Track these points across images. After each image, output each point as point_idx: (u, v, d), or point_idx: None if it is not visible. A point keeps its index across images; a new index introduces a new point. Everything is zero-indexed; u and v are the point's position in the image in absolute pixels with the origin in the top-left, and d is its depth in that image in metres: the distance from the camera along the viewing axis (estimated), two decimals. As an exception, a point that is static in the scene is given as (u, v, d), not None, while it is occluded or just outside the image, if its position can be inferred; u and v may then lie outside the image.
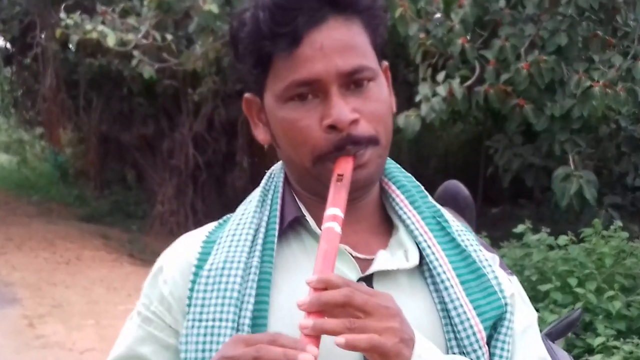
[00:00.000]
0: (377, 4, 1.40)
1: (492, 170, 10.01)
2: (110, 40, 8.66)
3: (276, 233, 1.41)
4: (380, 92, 1.38)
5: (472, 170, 12.34)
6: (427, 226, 1.44)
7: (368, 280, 1.37)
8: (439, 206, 1.51)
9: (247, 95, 1.46)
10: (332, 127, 1.31)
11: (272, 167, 1.53)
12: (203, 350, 1.32)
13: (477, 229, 3.98)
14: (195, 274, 1.40)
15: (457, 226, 1.50)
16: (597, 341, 5.83)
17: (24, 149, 24.64)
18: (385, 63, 1.45)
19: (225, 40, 8.40)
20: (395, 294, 1.32)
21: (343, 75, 1.32)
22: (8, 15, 15.08)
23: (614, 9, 7.51)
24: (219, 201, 15.41)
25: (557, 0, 7.07)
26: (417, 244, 1.41)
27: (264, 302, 1.35)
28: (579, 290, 6.31)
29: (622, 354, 5.53)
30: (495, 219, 11.76)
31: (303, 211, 1.43)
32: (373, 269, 1.38)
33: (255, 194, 1.49)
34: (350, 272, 1.37)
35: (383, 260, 1.39)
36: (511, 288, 1.47)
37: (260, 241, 1.40)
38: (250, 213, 1.45)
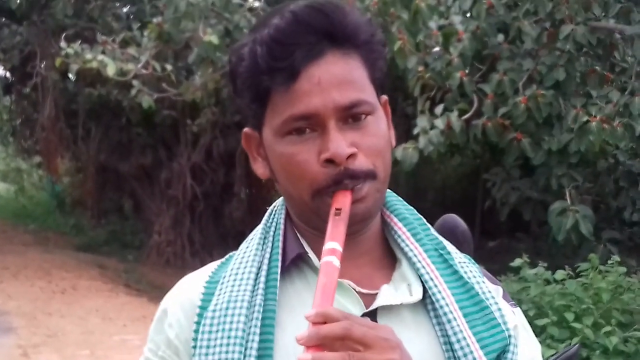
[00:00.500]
0: (376, 38, 1.39)
1: (489, 204, 10.01)
2: (110, 70, 8.69)
3: (279, 271, 1.40)
4: (379, 127, 1.36)
5: (469, 203, 12.37)
6: (429, 259, 1.42)
7: (372, 315, 1.36)
8: (441, 238, 1.50)
9: (246, 129, 1.45)
10: (330, 161, 1.30)
11: (274, 203, 1.52)
12: None
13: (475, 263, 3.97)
14: (200, 315, 1.38)
15: (460, 258, 1.49)
16: (594, 377, 5.83)
17: (21, 177, 24.66)
18: (385, 97, 1.44)
19: (224, 71, 8.43)
20: (399, 329, 1.31)
21: (341, 110, 1.31)
22: (8, 45, 15.13)
23: (612, 45, 7.55)
24: (216, 232, 15.41)
25: (555, 36, 7.10)
26: (420, 277, 1.40)
27: (269, 341, 1.33)
28: (576, 325, 6.31)
29: (618, 389, 5.52)
30: (492, 252, 11.76)
31: (305, 248, 1.42)
32: (377, 304, 1.37)
33: (257, 231, 1.48)
34: (354, 307, 1.36)
35: (387, 295, 1.38)
36: (514, 320, 1.46)
37: (263, 279, 1.39)
38: (253, 251, 1.44)
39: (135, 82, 9.19)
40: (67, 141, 16.57)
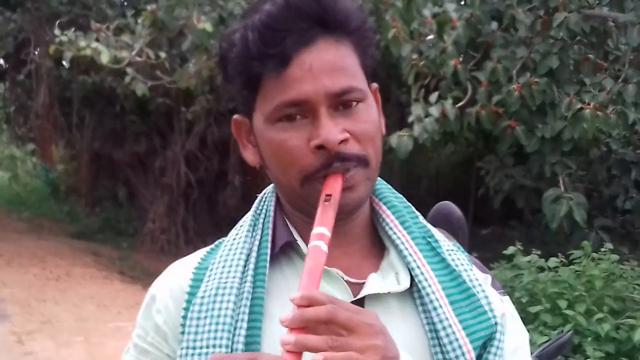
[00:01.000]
0: (367, 25, 1.39)
1: (483, 191, 10.03)
2: (104, 58, 8.68)
3: (268, 258, 1.40)
4: (370, 114, 1.36)
5: (463, 191, 12.38)
6: (417, 246, 1.42)
7: (360, 303, 1.35)
8: (429, 226, 1.50)
9: (236, 116, 1.46)
10: (321, 147, 1.30)
11: (264, 190, 1.52)
12: None
13: (468, 250, 3.99)
14: (188, 301, 1.39)
15: (448, 246, 1.48)
16: (586, 363, 5.86)
17: (15, 165, 24.66)
18: (375, 85, 1.44)
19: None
20: (386, 317, 1.32)
21: (332, 96, 1.30)
22: (2, 32, 15.08)
23: (605, 33, 7.55)
24: (210, 219, 15.42)
25: (549, 24, 7.10)
26: (407, 265, 1.40)
27: (257, 328, 1.33)
28: (568, 312, 6.33)
29: (611, 376, 5.55)
30: (485, 240, 11.78)
31: (294, 235, 1.42)
32: (364, 292, 1.37)
33: (247, 218, 1.48)
34: (342, 295, 1.36)
35: (374, 283, 1.38)
36: (502, 308, 1.47)
37: (252, 266, 1.39)
38: (242, 238, 1.44)
39: (129, 70, 9.17)
40: (61, 129, 16.55)
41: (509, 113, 7.19)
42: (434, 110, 6.98)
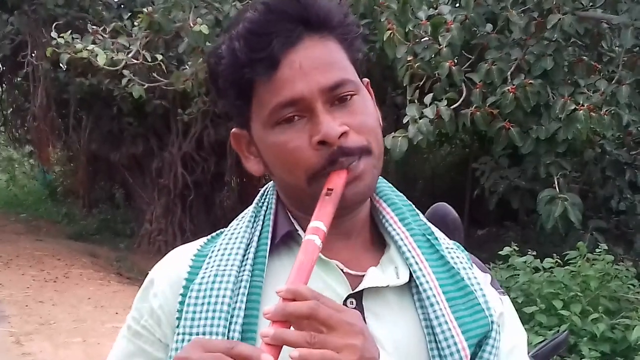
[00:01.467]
0: (349, 19, 1.40)
1: (478, 192, 10.04)
2: (101, 60, 8.67)
3: (267, 247, 1.41)
4: (366, 105, 1.38)
5: (458, 192, 12.38)
6: (416, 243, 1.43)
7: (358, 296, 1.37)
8: (429, 224, 1.51)
9: (234, 130, 1.46)
10: (323, 143, 1.31)
11: (266, 185, 1.53)
12: None
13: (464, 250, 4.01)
14: (186, 288, 1.39)
15: (448, 244, 1.50)
16: (582, 363, 5.88)
17: (13, 167, 24.68)
18: (367, 80, 1.45)
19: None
20: (384, 311, 1.36)
21: (326, 91, 1.32)
22: (-1, 34, 15.10)
23: (599, 35, 7.57)
24: (207, 220, 15.42)
25: (543, 26, 7.12)
26: (406, 261, 1.41)
27: (254, 316, 1.34)
28: (564, 312, 6.36)
29: (606, 376, 5.58)
30: (481, 240, 11.80)
31: (295, 226, 1.43)
32: (363, 285, 1.37)
33: (249, 210, 1.50)
34: (340, 287, 1.37)
35: (373, 277, 1.39)
36: (501, 307, 1.48)
37: (251, 255, 1.40)
38: (243, 228, 1.45)
39: (126, 72, 9.17)
40: (58, 130, 16.55)
41: (503, 114, 7.19)
42: (429, 112, 6.97)
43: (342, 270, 1.40)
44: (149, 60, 9.21)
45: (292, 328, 1.15)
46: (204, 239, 1.52)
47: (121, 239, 16.40)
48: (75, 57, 8.84)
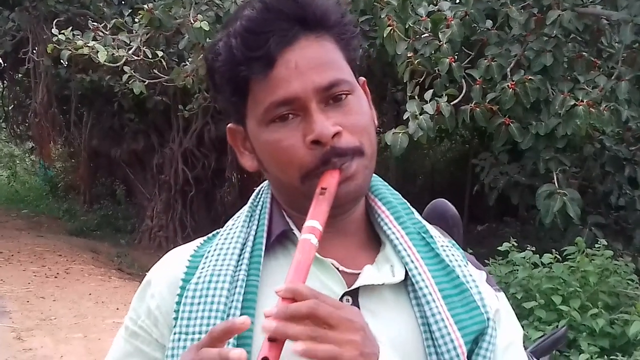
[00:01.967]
0: (346, 19, 1.40)
1: (478, 188, 10.03)
2: (102, 56, 8.68)
3: (263, 247, 1.41)
4: (360, 105, 1.38)
5: (458, 188, 12.39)
6: (411, 241, 1.43)
7: (354, 294, 1.37)
8: (424, 222, 1.51)
9: (230, 125, 1.47)
10: (316, 143, 1.31)
11: (261, 185, 1.53)
12: None
13: (463, 247, 4.02)
14: (183, 288, 1.40)
15: (443, 242, 1.50)
16: (581, 358, 5.88)
17: (14, 163, 24.70)
18: (363, 79, 1.46)
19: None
20: (380, 309, 1.36)
21: (320, 91, 1.32)
22: (0, 31, 15.09)
23: (599, 31, 7.58)
24: (208, 216, 15.44)
25: (543, 22, 7.13)
26: (401, 259, 1.41)
27: (250, 315, 1.32)
28: (563, 307, 6.35)
29: (605, 371, 5.59)
30: (480, 236, 11.81)
31: (290, 225, 1.43)
32: (359, 283, 1.37)
33: (244, 210, 1.50)
34: (336, 285, 1.37)
35: (369, 275, 1.38)
36: (496, 304, 1.47)
37: (247, 255, 1.40)
38: (238, 228, 1.45)
39: (126, 68, 9.18)
40: (59, 127, 16.54)
41: (503, 110, 7.20)
42: (429, 108, 6.97)
43: (337, 268, 1.40)
44: (150, 56, 9.22)
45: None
46: (200, 240, 1.53)
47: (122, 234, 16.42)
48: (76, 53, 8.85)
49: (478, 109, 7.19)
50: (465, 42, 7.65)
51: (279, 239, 1.44)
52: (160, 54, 9.29)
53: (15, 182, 23.78)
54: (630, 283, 6.99)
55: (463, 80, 7.41)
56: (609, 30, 7.64)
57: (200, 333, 1.33)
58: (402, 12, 7.49)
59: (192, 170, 15.18)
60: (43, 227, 16.76)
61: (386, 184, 1.54)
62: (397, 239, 1.43)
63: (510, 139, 7.39)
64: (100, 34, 9.34)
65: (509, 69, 7.27)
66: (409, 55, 7.38)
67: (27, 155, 23.22)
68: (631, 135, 8.97)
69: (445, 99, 7.13)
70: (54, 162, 20.38)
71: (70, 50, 8.83)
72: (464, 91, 7.39)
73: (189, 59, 9.93)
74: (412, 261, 1.41)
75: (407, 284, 1.41)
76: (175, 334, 1.36)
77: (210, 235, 1.54)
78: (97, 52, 8.69)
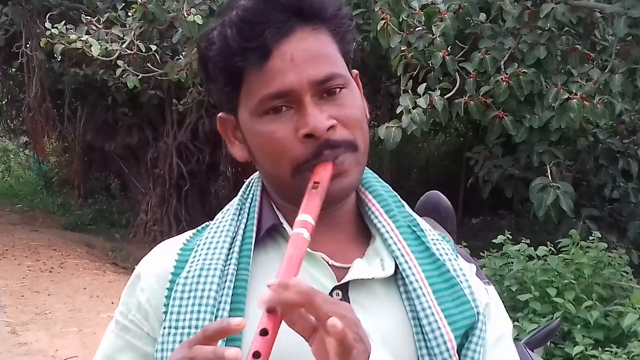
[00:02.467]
0: (342, 12, 1.40)
1: (472, 181, 10.04)
2: (95, 50, 8.66)
3: (253, 241, 1.40)
4: (354, 99, 1.37)
5: (452, 181, 12.40)
6: (401, 235, 1.43)
7: (344, 288, 1.37)
8: (415, 215, 1.51)
9: (221, 114, 1.46)
10: (309, 136, 1.31)
11: (251, 177, 1.53)
12: None
13: (458, 239, 4.03)
14: (172, 282, 1.39)
15: (433, 235, 1.49)
16: (575, 350, 5.89)
17: (8, 157, 24.65)
18: (355, 71, 1.45)
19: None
20: (370, 303, 1.36)
21: (315, 84, 1.31)
22: (-7, 25, 15.07)
23: (592, 24, 7.57)
24: (202, 210, 15.43)
25: (536, 15, 7.13)
26: (392, 253, 1.41)
27: (240, 310, 1.34)
28: (557, 300, 6.37)
29: (599, 362, 5.60)
30: (475, 229, 11.83)
31: (280, 219, 1.42)
32: (349, 277, 1.37)
33: (233, 203, 1.50)
34: (326, 279, 1.37)
35: (359, 268, 1.38)
36: (486, 297, 1.48)
37: (237, 249, 1.40)
38: (228, 221, 1.45)
39: (120, 62, 9.16)
40: (53, 121, 16.49)
41: (497, 103, 7.20)
42: (422, 101, 6.96)
43: (327, 262, 1.40)
44: (143, 50, 9.20)
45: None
46: (190, 233, 1.52)
47: (117, 229, 16.41)
48: (69, 47, 8.84)
49: (472, 102, 7.19)
50: (458, 35, 7.64)
51: (269, 233, 1.43)
52: (153, 47, 9.27)
53: (10, 177, 23.75)
54: (625, 275, 7.01)
55: (457, 74, 7.41)
56: (603, 23, 7.63)
57: (189, 327, 1.33)
58: (396, 6, 7.48)
59: (187, 164, 15.16)
60: (37, 221, 16.74)
61: (377, 176, 1.54)
62: (387, 232, 1.43)
63: (504, 132, 7.39)
64: (94, 27, 9.32)
65: (502, 62, 7.26)
66: (402, 48, 7.36)
67: (21, 149, 23.19)
68: (625, 128, 8.99)
69: (439, 92, 7.12)
70: (48, 156, 20.37)
71: (63, 44, 8.82)
72: (457, 84, 7.38)
73: (183, 53, 9.91)
74: (402, 255, 1.41)
75: (397, 277, 1.41)
76: (164, 328, 1.36)
77: (199, 227, 1.53)
78: (91, 46, 8.67)
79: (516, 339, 4.02)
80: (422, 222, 1.51)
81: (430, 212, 3.60)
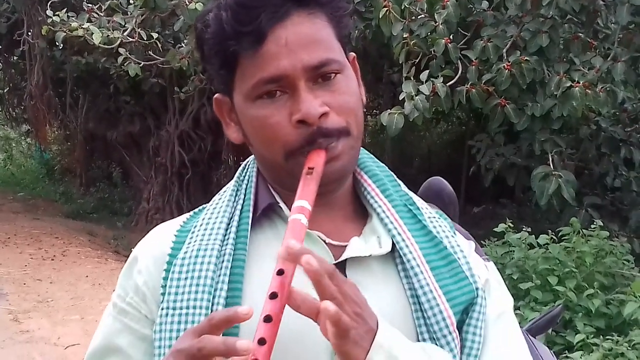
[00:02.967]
0: None
1: (474, 170, 10.04)
2: (96, 38, 8.65)
3: (249, 221, 1.41)
4: (349, 84, 1.37)
5: (454, 170, 12.39)
6: (398, 214, 1.44)
7: (341, 266, 1.37)
8: (411, 194, 1.52)
9: (216, 95, 1.46)
10: (302, 122, 1.31)
11: (247, 160, 1.53)
12: (177, 338, 1.26)
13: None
14: (169, 263, 1.40)
15: (430, 213, 1.50)
16: (577, 338, 5.89)
17: (10, 146, 24.66)
18: (353, 54, 1.45)
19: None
20: (368, 281, 1.36)
21: (310, 70, 1.31)
22: (-5, 13, 15.05)
23: (595, 12, 7.54)
24: (204, 198, 15.29)
25: (539, 2, 7.10)
26: (388, 232, 1.42)
27: (237, 289, 1.34)
28: (559, 288, 6.38)
29: (601, 351, 5.58)
30: (477, 217, 11.82)
31: (276, 198, 1.43)
32: (346, 255, 1.38)
33: (230, 185, 1.51)
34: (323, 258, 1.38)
35: (356, 246, 1.39)
36: (486, 274, 1.48)
37: (234, 229, 1.40)
38: (224, 202, 1.46)
39: (122, 50, 9.15)
40: (55, 109, 16.48)
41: (499, 91, 7.18)
42: (425, 89, 6.96)
43: (324, 241, 1.41)
44: (145, 38, 9.19)
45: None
46: (186, 215, 1.53)
47: (119, 217, 16.42)
48: (71, 35, 8.83)
49: (474, 90, 7.17)
50: (461, 23, 7.62)
51: (266, 213, 1.44)
52: (155, 35, 9.26)
53: (12, 165, 23.76)
54: (626, 263, 7.02)
55: (459, 62, 7.38)
56: (605, 11, 7.60)
57: (187, 308, 1.34)
58: (398, -7, 7.47)
59: (189, 152, 15.16)
60: (39, 209, 16.76)
61: (372, 156, 1.55)
62: (384, 211, 1.44)
63: (506, 120, 7.37)
64: (95, 15, 9.30)
65: (504, 50, 7.24)
66: (404, 36, 7.36)
67: (23, 138, 23.17)
68: (627, 117, 8.97)
69: (441, 80, 7.11)
70: (50, 144, 20.38)
71: (65, 32, 8.81)
72: (459, 72, 7.36)
73: (185, 41, 9.90)
74: (399, 233, 1.42)
75: (394, 255, 1.42)
76: (162, 309, 1.36)
77: (196, 210, 1.54)
78: (92, 33, 8.66)
79: (517, 327, 4.02)
80: (419, 201, 1.52)
81: (433, 199, 3.59)
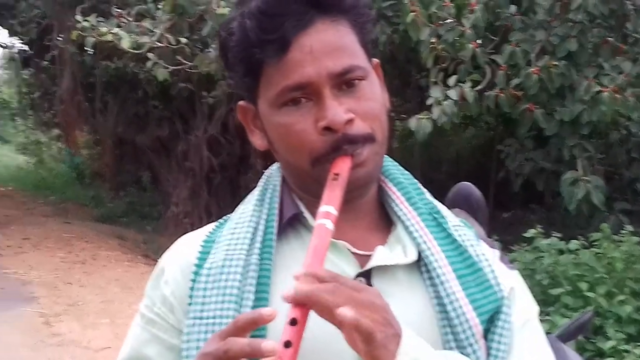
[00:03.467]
0: (362, 2, 1.40)
1: (503, 175, 10.00)
2: (125, 43, 8.72)
3: (275, 231, 1.41)
4: (373, 91, 1.38)
5: (483, 175, 12.31)
6: (423, 222, 1.44)
7: (367, 275, 1.37)
8: (436, 202, 1.52)
9: (241, 102, 1.47)
10: (328, 129, 1.31)
11: (270, 168, 1.54)
12: None
13: (489, 233, 4.01)
14: (196, 273, 1.40)
15: (455, 222, 1.50)
16: (607, 345, 5.86)
17: (40, 150, 24.81)
18: (376, 60, 1.45)
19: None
20: (394, 289, 1.36)
21: (334, 77, 1.32)
22: (26, 18, 15.17)
23: (624, 16, 7.50)
24: (232, 203, 15.27)
25: (568, 7, 7.08)
26: (414, 240, 1.41)
27: (264, 299, 1.34)
28: (589, 294, 6.34)
29: (632, 357, 5.56)
30: (506, 223, 11.74)
31: (301, 208, 1.44)
32: (371, 264, 1.38)
33: (254, 194, 1.51)
34: (349, 267, 1.38)
35: (381, 256, 1.39)
36: (511, 282, 1.47)
37: (259, 239, 1.41)
38: (249, 212, 1.46)
39: (150, 55, 9.20)
40: (85, 114, 16.64)
41: (527, 96, 7.16)
42: (453, 93, 6.95)
43: (350, 250, 1.41)
44: (173, 43, 9.24)
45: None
46: (212, 225, 1.54)
47: (148, 221, 16.48)
48: (100, 40, 8.90)
49: (502, 95, 7.15)
50: (489, 27, 7.61)
51: (291, 223, 1.44)
52: (183, 40, 9.31)
53: (42, 169, 23.91)
54: (657, 269, 6.96)
55: (487, 66, 7.37)
56: (635, 15, 7.56)
57: (214, 318, 1.34)
58: (426, -2, 7.47)
59: (217, 157, 15.19)
60: (70, 213, 16.86)
61: (397, 164, 1.55)
62: (409, 219, 1.44)
63: (535, 124, 7.35)
64: (124, 20, 9.38)
65: (533, 55, 7.22)
66: (432, 41, 7.35)
67: (53, 142, 23.33)
68: (656, 122, 8.91)
69: (469, 84, 7.09)
70: (80, 149, 20.51)
71: (94, 37, 8.89)
72: (488, 77, 7.35)
73: (213, 46, 9.95)
74: (425, 242, 1.41)
75: (420, 264, 1.41)
76: (189, 319, 1.36)
77: (221, 220, 1.54)
78: (121, 39, 8.73)
79: (548, 333, 4.01)
80: (443, 209, 1.52)
81: (461, 204, 3.59)
